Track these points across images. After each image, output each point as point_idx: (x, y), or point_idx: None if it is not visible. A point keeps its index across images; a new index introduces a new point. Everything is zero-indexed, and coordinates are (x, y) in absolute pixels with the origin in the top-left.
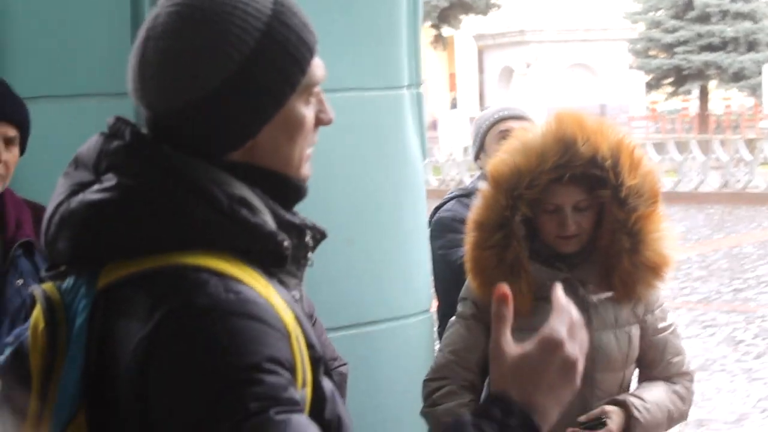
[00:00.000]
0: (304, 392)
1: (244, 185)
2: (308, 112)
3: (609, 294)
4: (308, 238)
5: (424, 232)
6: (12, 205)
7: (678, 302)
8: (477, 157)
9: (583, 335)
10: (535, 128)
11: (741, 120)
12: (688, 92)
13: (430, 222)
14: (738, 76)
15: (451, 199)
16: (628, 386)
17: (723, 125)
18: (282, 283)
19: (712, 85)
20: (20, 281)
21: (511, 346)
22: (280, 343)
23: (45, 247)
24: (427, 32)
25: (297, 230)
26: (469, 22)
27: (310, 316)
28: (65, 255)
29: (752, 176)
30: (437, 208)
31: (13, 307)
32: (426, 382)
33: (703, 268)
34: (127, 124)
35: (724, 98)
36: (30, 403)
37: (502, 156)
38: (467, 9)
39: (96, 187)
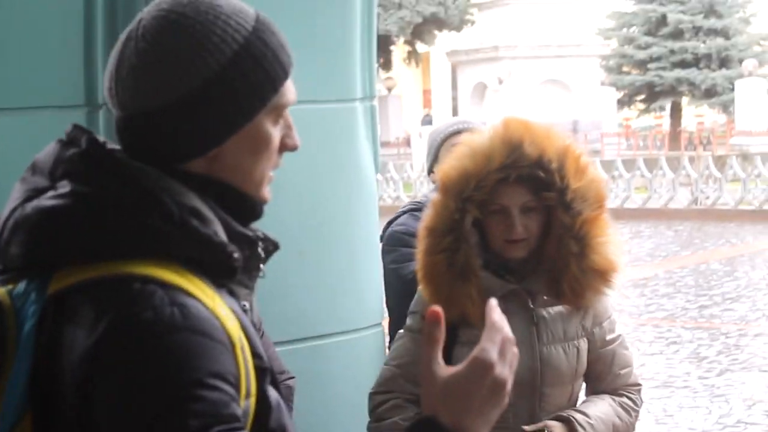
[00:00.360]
0: (248, 403)
1: (196, 196)
2: (275, 133)
3: (559, 307)
4: (260, 250)
5: (376, 246)
6: None
7: (643, 319)
8: (431, 171)
9: (513, 353)
10: (482, 133)
11: (713, 137)
12: (661, 109)
13: (382, 236)
14: (710, 93)
15: (404, 213)
16: (576, 400)
17: (694, 142)
18: (232, 293)
19: (685, 101)
20: None
21: (442, 368)
22: (223, 357)
23: None
24: (400, 48)
25: (248, 242)
26: (443, 38)
27: (258, 329)
28: (18, 260)
29: (721, 193)
30: (390, 222)
31: None
32: (372, 395)
33: (670, 285)
34: (83, 131)
35: (696, 115)
36: None
37: (451, 162)
38: (441, 25)
39: (50, 193)
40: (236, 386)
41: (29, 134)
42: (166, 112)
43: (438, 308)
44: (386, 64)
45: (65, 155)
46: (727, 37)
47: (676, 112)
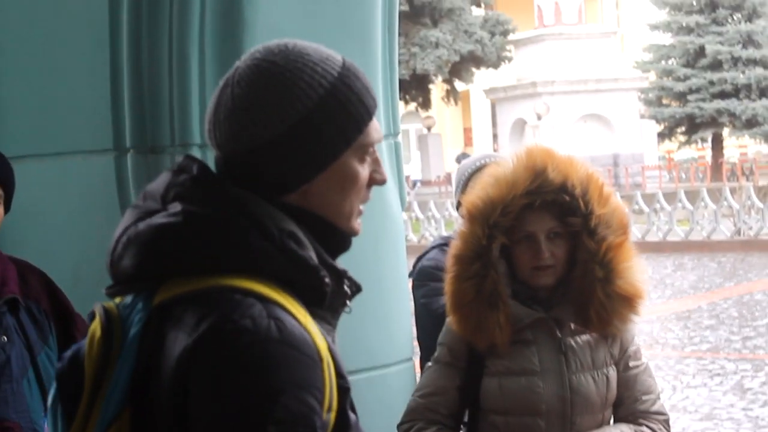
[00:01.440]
0: (329, 416)
1: (293, 223)
2: (362, 170)
3: (587, 336)
4: (346, 287)
5: (405, 281)
6: None
7: (687, 351)
8: (459, 206)
9: None
10: (506, 162)
11: (755, 167)
12: (702, 140)
13: (413, 271)
14: (751, 123)
15: (434, 248)
16: None
17: (737, 173)
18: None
19: (726, 132)
20: (4, 338)
21: None
22: (310, 371)
23: (109, 266)
24: (439, 87)
25: (337, 275)
26: (481, 76)
27: None
28: (129, 271)
29: (764, 223)
30: (420, 258)
31: None
32: (398, 426)
33: (713, 317)
34: (194, 160)
35: (739, 146)
36: (81, 402)
37: (476, 191)
38: (479, 63)
39: (162, 213)
40: (320, 400)
41: (60, 179)
42: (258, 152)
43: None
44: (425, 103)
45: (177, 180)
46: (766, 66)
47: (717, 143)
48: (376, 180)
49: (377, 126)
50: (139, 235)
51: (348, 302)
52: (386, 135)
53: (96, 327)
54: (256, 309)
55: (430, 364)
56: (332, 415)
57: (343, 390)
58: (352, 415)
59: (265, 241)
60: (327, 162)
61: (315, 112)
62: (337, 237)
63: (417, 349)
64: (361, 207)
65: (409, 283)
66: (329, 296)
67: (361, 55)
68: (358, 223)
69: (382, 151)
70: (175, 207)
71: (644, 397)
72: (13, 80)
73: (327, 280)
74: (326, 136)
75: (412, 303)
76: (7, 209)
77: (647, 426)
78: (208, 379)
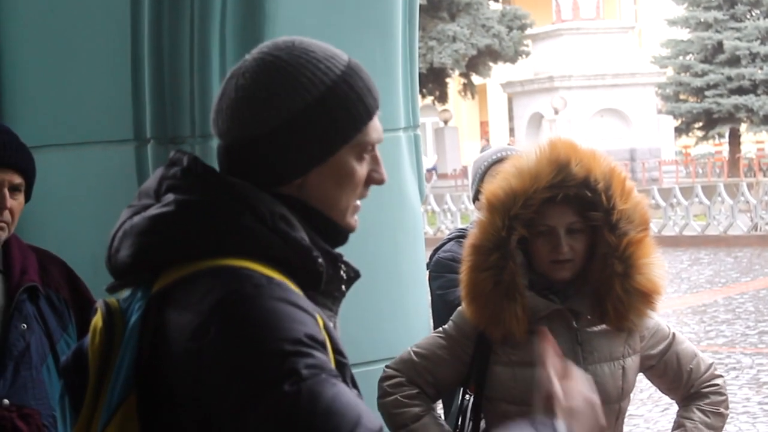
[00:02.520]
0: None
1: (285, 208)
2: (359, 168)
3: (603, 326)
4: (342, 272)
5: (423, 273)
6: (18, 250)
7: (703, 345)
8: (476, 198)
9: None
10: (528, 154)
11: None
12: (719, 136)
13: (429, 263)
14: None
15: (450, 240)
16: (624, 419)
17: (754, 168)
18: None
19: (743, 128)
20: (24, 326)
21: None
22: (318, 329)
23: (107, 260)
24: (456, 81)
25: (331, 258)
26: (498, 70)
27: None
28: (126, 262)
29: None
30: (436, 249)
31: (17, 350)
32: (385, 368)
33: (729, 311)
34: (184, 153)
35: (757, 141)
36: (87, 392)
37: (498, 181)
38: (496, 57)
39: (156, 205)
40: (327, 355)
41: (80, 169)
42: (256, 142)
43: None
44: (442, 97)
45: (169, 173)
46: None
47: (734, 138)
48: (374, 179)
49: (378, 126)
50: (134, 226)
51: (344, 288)
52: (406, 127)
53: (97, 320)
54: (256, 277)
55: (439, 329)
56: None
57: (341, 365)
58: (353, 391)
59: (258, 223)
60: (322, 157)
61: (314, 107)
62: (331, 229)
63: None
64: (357, 203)
65: (426, 274)
66: (325, 280)
67: (382, 48)
68: (354, 219)
69: (402, 143)
70: (168, 198)
71: (692, 365)
72: (34, 70)
73: (320, 260)
74: (323, 132)
75: (429, 295)
76: (27, 198)
77: (710, 393)
78: (226, 347)
